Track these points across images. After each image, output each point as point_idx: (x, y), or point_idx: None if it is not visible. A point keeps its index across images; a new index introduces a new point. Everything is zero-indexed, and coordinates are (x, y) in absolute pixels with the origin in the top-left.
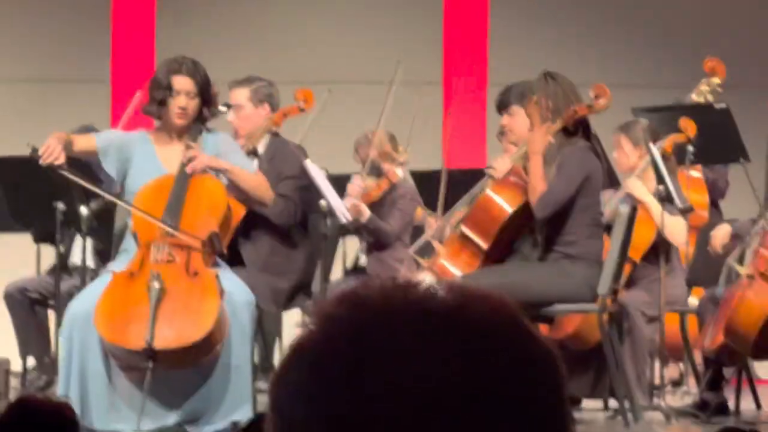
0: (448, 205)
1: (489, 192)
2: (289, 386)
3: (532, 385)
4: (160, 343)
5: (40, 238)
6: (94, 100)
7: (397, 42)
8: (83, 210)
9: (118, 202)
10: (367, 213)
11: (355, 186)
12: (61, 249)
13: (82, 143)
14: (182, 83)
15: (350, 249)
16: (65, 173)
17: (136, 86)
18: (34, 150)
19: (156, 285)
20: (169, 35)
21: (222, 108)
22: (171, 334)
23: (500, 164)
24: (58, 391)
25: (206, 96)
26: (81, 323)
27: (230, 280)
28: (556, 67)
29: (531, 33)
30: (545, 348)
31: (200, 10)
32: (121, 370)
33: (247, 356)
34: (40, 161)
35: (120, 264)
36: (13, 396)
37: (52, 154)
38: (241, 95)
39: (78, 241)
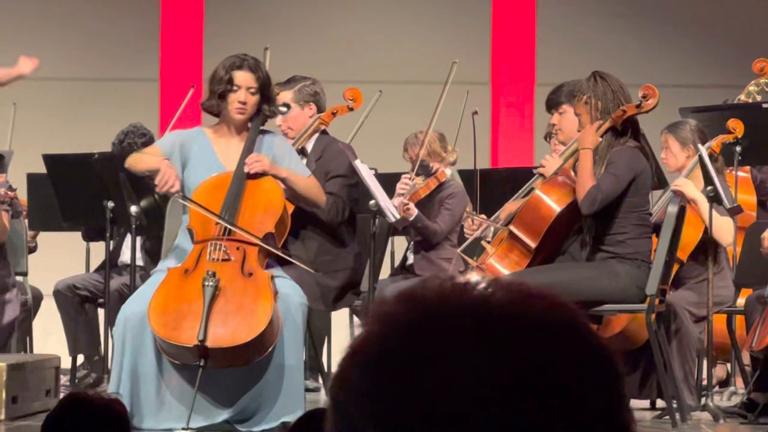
0: (495, 205)
1: (538, 192)
2: (349, 386)
3: (591, 384)
4: (212, 342)
5: (89, 237)
6: (143, 98)
7: (445, 42)
8: (133, 208)
9: (189, 204)
10: (414, 212)
11: (403, 185)
12: (110, 247)
13: (152, 156)
14: (243, 78)
15: (398, 248)
16: (182, 201)
17: (184, 85)
18: (152, 175)
19: (211, 283)
20: (217, 35)
21: (282, 108)
22: (224, 333)
23: (550, 163)
24: (109, 389)
25: (267, 93)
26: (134, 324)
27: (284, 281)
28: (603, 67)
29: (578, 33)
30: (603, 346)
31: (249, 10)
32: (173, 368)
33: (299, 357)
34: (157, 189)
35: (172, 261)
36: (63, 393)
37: (169, 182)
38: (286, 97)
39: (127, 239)
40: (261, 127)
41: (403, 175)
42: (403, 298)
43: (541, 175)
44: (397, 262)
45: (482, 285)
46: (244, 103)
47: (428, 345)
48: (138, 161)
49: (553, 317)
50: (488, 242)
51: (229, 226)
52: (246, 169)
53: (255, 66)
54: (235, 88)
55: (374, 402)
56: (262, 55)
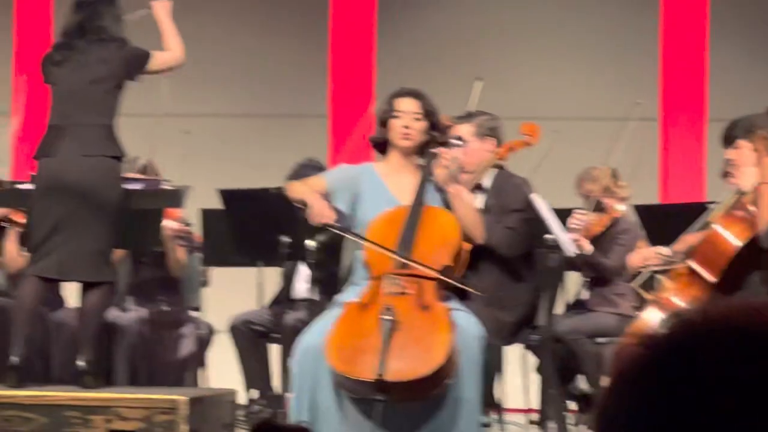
0: (666, 240)
1: (717, 226)
2: (615, 414)
3: None
4: (391, 376)
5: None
6: (314, 134)
7: (615, 78)
8: (310, 243)
9: (355, 237)
10: (589, 248)
11: (576, 220)
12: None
13: (317, 188)
14: (406, 104)
15: (571, 284)
16: (334, 230)
17: (354, 121)
18: (305, 206)
19: (389, 317)
20: (388, 71)
21: (456, 141)
22: (402, 367)
23: (745, 176)
24: (290, 420)
25: (433, 120)
26: (312, 356)
27: (462, 313)
28: None
29: (750, 67)
30: None
31: (419, 46)
32: (351, 402)
33: (476, 390)
34: (310, 221)
35: (349, 295)
36: (239, 428)
37: (321, 214)
38: (465, 131)
39: (300, 273)
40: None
41: (574, 211)
42: (674, 320)
43: (740, 192)
44: (569, 298)
45: (747, 307)
46: (408, 128)
47: (698, 371)
48: (293, 189)
49: None
50: (663, 275)
51: (405, 261)
52: (436, 172)
53: (418, 93)
54: (397, 114)
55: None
56: (473, 86)
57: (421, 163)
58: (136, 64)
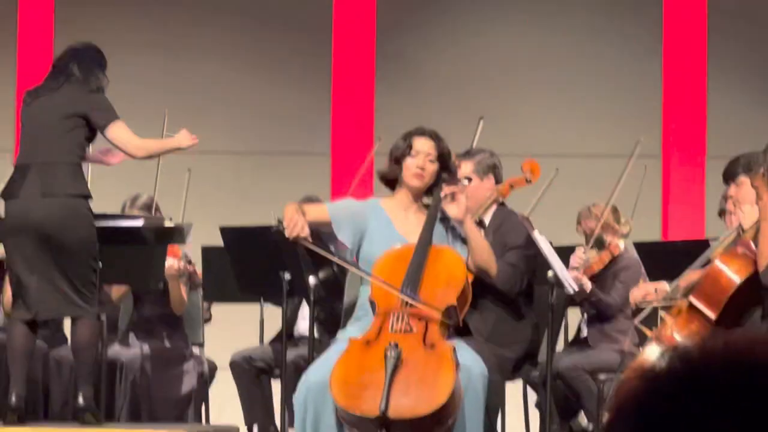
0: (668, 277)
1: (717, 263)
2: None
3: None
4: (394, 413)
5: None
6: (315, 172)
7: (615, 115)
8: (311, 279)
9: (361, 272)
10: (588, 285)
11: (577, 258)
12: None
13: (315, 213)
14: (423, 144)
15: (572, 320)
16: (309, 246)
17: (356, 160)
18: (279, 222)
19: (393, 354)
20: (388, 110)
21: (464, 181)
22: (406, 404)
23: (747, 215)
24: None
25: (446, 164)
26: (316, 392)
27: (466, 352)
28: None
29: (749, 106)
30: None
31: (420, 85)
32: None
33: (479, 428)
34: (285, 233)
35: (353, 331)
36: None
37: (297, 226)
38: (466, 168)
39: (302, 310)
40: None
41: (577, 248)
42: (672, 354)
43: (741, 230)
44: (570, 335)
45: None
46: (423, 168)
47: (703, 405)
48: (287, 207)
49: None
50: (664, 311)
51: (410, 301)
52: (442, 194)
53: (436, 135)
54: (413, 153)
55: None
56: (477, 125)
57: (429, 202)
58: (99, 114)
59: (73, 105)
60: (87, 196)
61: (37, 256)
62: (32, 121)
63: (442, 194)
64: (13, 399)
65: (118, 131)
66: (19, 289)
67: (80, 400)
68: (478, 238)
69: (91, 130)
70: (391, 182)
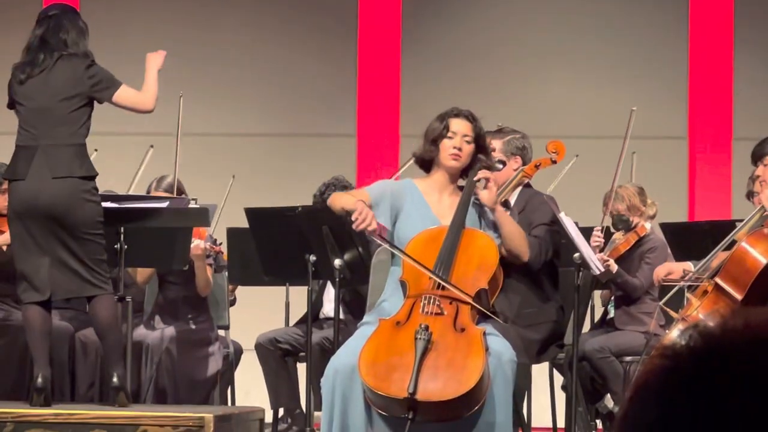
0: (694, 258)
1: (744, 243)
2: (636, 424)
3: None
4: (422, 395)
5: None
6: (341, 154)
7: (643, 97)
8: (337, 261)
9: (397, 251)
10: (614, 267)
11: (596, 238)
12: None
13: (361, 199)
14: (460, 125)
15: (598, 302)
16: (376, 239)
17: (382, 140)
18: (348, 214)
19: (423, 336)
20: (413, 91)
21: (498, 165)
22: (434, 387)
23: None
24: None
25: (481, 145)
26: (344, 375)
27: (496, 337)
28: None
29: None
30: None
31: (445, 66)
32: (382, 420)
33: (509, 413)
34: (353, 226)
35: (381, 313)
36: None
37: (366, 220)
38: (493, 146)
39: (328, 292)
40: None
41: (594, 229)
42: (687, 332)
43: (761, 209)
44: (597, 316)
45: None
46: (459, 149)
47: (721, 383)
48: (337, 199)
49: None
50: (690, 292)
51: (442, 282)
52: (476, 178)
53: (472, 116)
54: (450, 134)
55: None
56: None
57: (464, 184)
58: (102, 87)
59: (74, 86)
60: (93, 177)
61: (47, 238)
62: (31, 102)
63: (475, 178)
64: (39, 380)
65: (124, 95)
66: (29, 272)
67: (114, 379)
68: (510, 224)
69: (92, 105)
70: (427, 164)
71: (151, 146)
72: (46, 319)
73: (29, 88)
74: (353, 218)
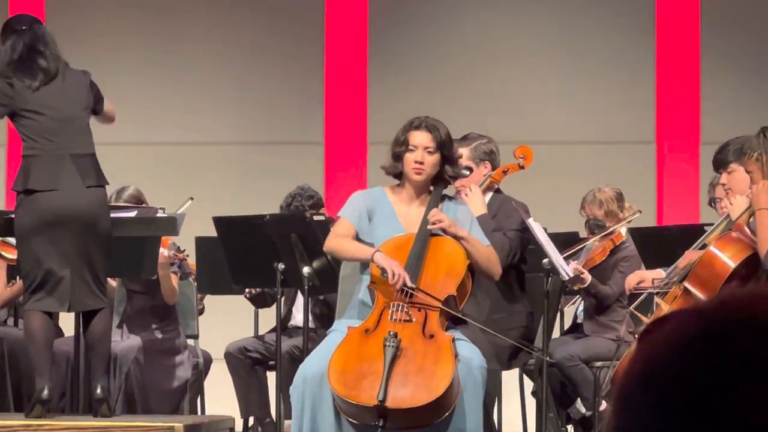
0: (664, 264)
1: (712, 248)
2: (636, 414)
3: None
4: (392, 402)
5: (257, 304)
6: (309, 162)
7: (611, 102)
8: (306, 269)
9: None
10: (588, 278)
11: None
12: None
13: (350, 234)
14: (420, 137)
15: (567, 309)
16: (416, 291)
17: (349, 148)
18: (384, 275)
19: (392, 344)
20: (380, 99)
21: (464, 171)
22: (404, 394)
23: (737, 204)
24: None
25: (447, 153)
26: (314, 383)
27: (465, 343)
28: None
29: (743, 90)
30: None
31: (412, 73)
32: (352, 428)
33: (479, 420)
34: (391, 285)
35: (350, 321)
36: None
37: (401, 277)
38: (461, 154)
39: (297, 301)
40: (445, 193)
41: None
42: (691, 312)
43: (729, 218)
44: (567, 322)
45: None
46: (421, 163)
47: (727, 362)
48: (343, 249)
49: None
50: (659, 297)
51: (411, 290)
52: (428, 227)
53: (433, 126)
54: (411, 147)
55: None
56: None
57: (432, 193)
58: (98, 99)
59: (87, 96)
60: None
61: (74, 249)
62: (52, 111)
63: (428, 227)
64: (45, 393)
65: (109, 108)
66: (50, 282)
67: (98, 390)
68: (477, 251)
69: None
70: (399, 174)
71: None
72: (51, 329)
73: (46, 97)
74: (392, 282)
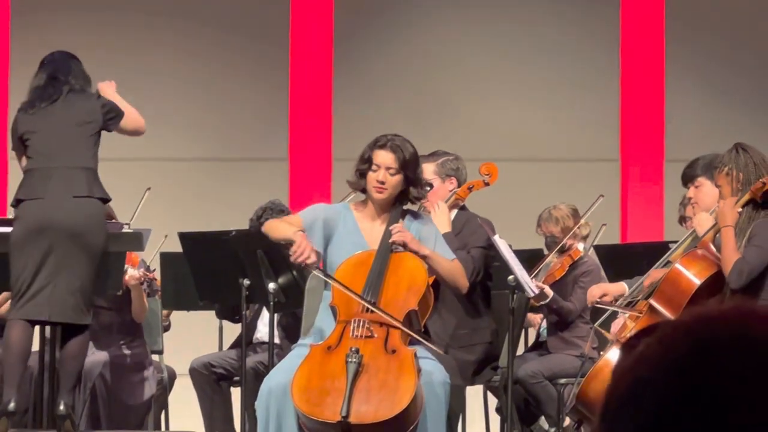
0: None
1: (677, 265)
2: (630, 422)
3: None
4: (355, 418)
5: (223, 316)
6: (273, 178)
7: (575, 119)
8: (271, 285)
9: (325, 277)
10: (550, 293)
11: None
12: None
13: (295, 226)
14: (382, 157)
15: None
16: (323, 276)
17: (313, 165)
18: (287, 244)
19: (354, 360)
20: (345, 115)
21: (426, 188)
22: (367, 410)
23: (703, 222)
24: None
25: (411, 175)
26: (278, 395)
27: (428, 358)
28: (731, 141)
29: (707, 108)
30: None
31: (378, 91)
32: None
33: None
34: (292, 259)
35: (314, 338)
36: None
37: (304, 253)
38: (428, 170)
39: (263, 316)
40: (409, 209)
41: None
42: (668, 326)
43: (695, 234)
44: (531, 339)
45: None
46: (383, 183)
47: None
48: (274, 228)
49: None
50: (624, 314)
51: (370, 307)
52: (389, 241)
53: (397, 147)
54: (374, 167)
55: None
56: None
57: (391, 213)
58: (113, 115)
59: (88, 113)
60: (108, 201)
61: (58, 258)
62: (43, 128)
63: (390, 240)
64: (12, 405)
65: (128, 120)
66: (32, 290)
67: (61, 407)
68: (442, 268)
69: (100, 134)
70: (364, 190)
71: None
72: (29, 341)
73: (39, 117)
74: (292, 251)
